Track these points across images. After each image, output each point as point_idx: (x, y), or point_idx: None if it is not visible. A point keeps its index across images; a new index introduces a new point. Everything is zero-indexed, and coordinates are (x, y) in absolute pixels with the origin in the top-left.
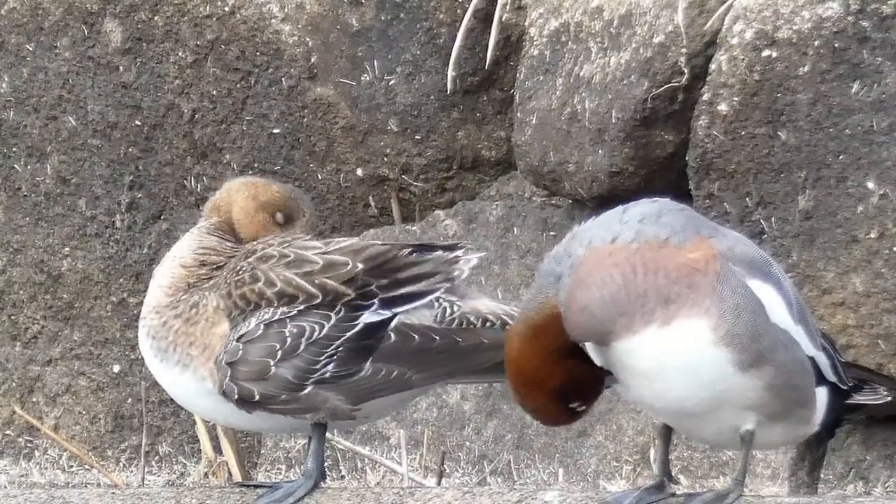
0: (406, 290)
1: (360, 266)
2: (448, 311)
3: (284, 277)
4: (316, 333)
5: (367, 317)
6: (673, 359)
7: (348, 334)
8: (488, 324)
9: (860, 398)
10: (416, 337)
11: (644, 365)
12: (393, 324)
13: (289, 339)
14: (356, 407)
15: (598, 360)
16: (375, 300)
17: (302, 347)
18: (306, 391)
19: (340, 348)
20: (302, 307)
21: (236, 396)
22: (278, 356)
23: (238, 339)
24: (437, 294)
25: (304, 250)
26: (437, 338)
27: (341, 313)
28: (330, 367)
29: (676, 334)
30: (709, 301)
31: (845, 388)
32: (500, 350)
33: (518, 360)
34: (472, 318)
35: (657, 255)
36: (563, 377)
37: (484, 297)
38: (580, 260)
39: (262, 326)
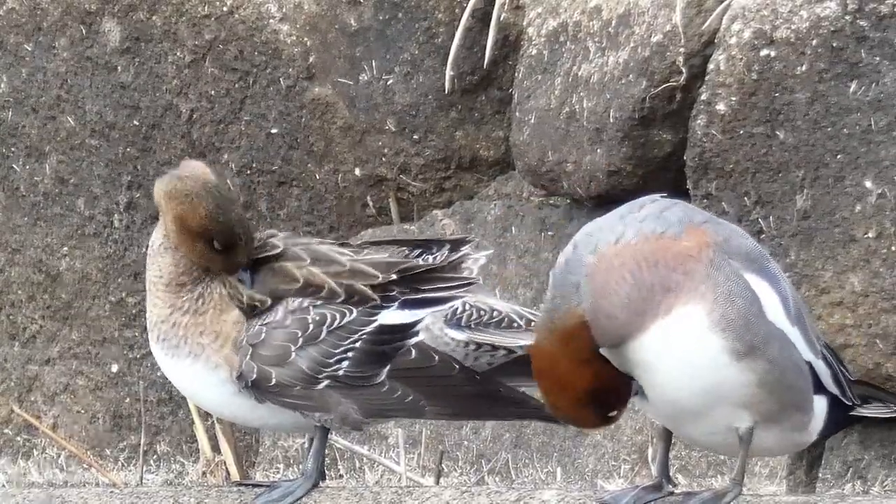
0: (427, 296)
1: (394, 277)
2: (473, 312)
3: (308, 271)
4: (337, 322)
5: (386, 315)
6: (671, 348)
7: (367, 329)
8: (503, 319)
9: (865, 411)
10: (436, 358)
11: (646, 356)
12: (414, 340)
13: (311, 326)
14: (366, 420)
15: (615, 362)
16: (396, 303)
17: (322, 336)
18: (320, 387)
19: (357, 343)
20: (324, 300)
21: (254, 376)
22: (299, 342)
23: (263, 324)
24: (458, 302)
25: (332, 253)
26: (457, 367)
27: (362, 309)
28: (345, 364)
29: (676, 322)
30: (703, 287)
31: (849, 403)
32: (513, 406)
33: (549, 369)
34: (483, 310)
35: (655, 247)
36: (593, 382)
37: (495, 298)
38: (591, 267)
39: (286, 312)
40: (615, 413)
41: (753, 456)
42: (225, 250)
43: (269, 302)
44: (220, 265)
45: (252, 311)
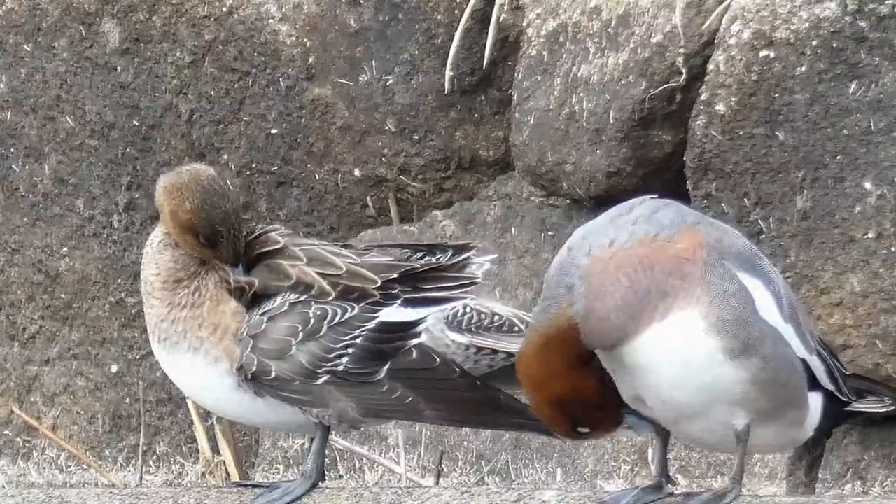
0: (430, 295)
1: (394, 276)
2: (474, 315)
3: (301, 270)
4: (338, 317)
5: (387, 313)
6: (667, 351)
7: (368, 326)
8: (503, 322)
9: (861, 406)
10: (438, 361)
11: (642, 359)
12: (415, 341)
13: (312, 321)
14: (363, 419)
15: (606, 365)
16: (398, 301)
17: (323, 331)
18: (319, 382)
19: (358, 340)
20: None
21: (254, 369)
22: (300, 336)
23: (262, 314)
24: (461, 302)
25: (330, 256)
26: (458, 371)
27: (364, 306)
28: (344, 360)
29: (672, 327)
30: (699, 290)
31: (845, 399)
32: (512, 415)
33: (530, 369)
34: (484, 314)
35: (650, 251)
36: (570, 387)
37: (496, 302)
38: (586, 269)
39: (286, 304)
40: (587, 431)
41: (751, 453)
42: (210, 245)
43: (256, 283)
44: (211, 259)
45: (241, 296)
